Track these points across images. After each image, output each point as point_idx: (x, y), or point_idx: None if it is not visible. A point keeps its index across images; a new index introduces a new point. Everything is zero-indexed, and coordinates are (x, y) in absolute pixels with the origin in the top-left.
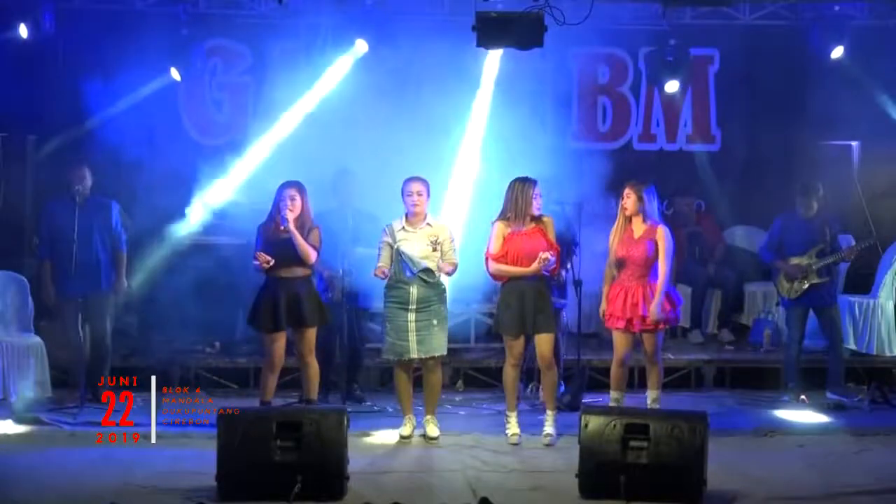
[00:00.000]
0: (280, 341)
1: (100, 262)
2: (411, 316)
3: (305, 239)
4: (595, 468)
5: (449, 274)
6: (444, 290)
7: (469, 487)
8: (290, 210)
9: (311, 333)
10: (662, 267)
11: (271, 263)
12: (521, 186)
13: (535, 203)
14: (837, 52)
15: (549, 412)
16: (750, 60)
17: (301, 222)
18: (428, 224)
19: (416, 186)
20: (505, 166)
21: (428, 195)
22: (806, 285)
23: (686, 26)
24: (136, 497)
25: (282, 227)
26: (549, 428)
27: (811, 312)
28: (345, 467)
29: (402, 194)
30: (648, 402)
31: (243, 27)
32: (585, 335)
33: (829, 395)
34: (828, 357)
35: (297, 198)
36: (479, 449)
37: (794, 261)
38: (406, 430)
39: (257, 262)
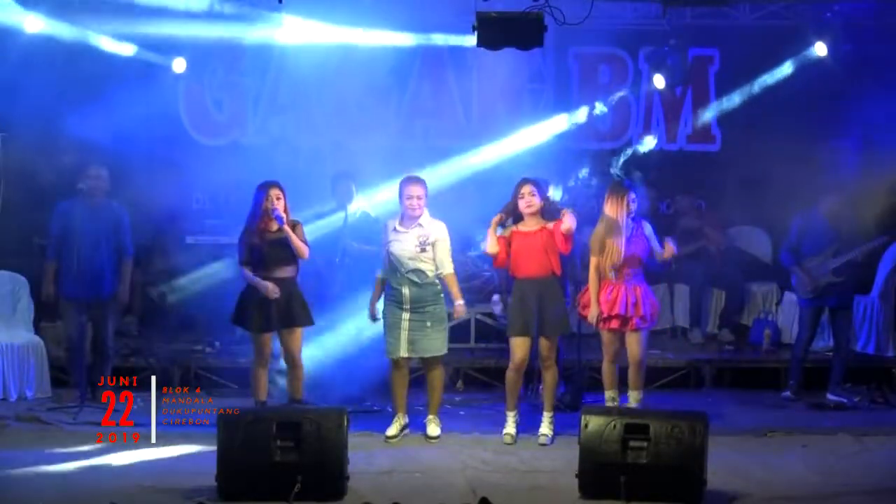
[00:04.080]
0: (269, 339)
1: (105, 267)
2: (406, 315)
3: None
4: (595, 468)
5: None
6: (440, 291)
7: (469, 487)
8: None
9: (300, 334)
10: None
11: (277, 295)
12: (516, 186)
13: (521, 202)
14: (830, 51)
15: (546, 413)
16: (750, 60)
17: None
18: (419, 224)
19: (415, 190)
20: (506, 166)
21: (426, 195)
22: (823, 285)
23: (686, 26)
24: (136, 497)
25: (279, 227)
26: (544, 428)
27: (826, 313)
28: (345, 467)
29: (400, 196)
30: (631, 402)
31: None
32: (585, 335)
33: (829, 395)
34: (833, 358)
35: (282, 197)
36: (479, 449)
37: (811, 262)
38: (392, 430)
39: (266, 291)
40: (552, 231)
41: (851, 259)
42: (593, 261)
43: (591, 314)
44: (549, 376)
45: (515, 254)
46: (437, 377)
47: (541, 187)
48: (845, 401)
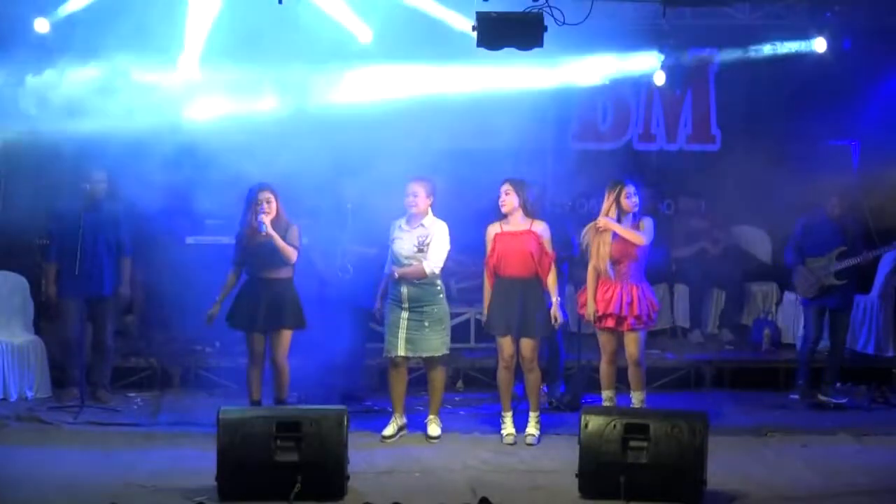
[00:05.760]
0: (260, 339)
1: (104, 265)
2: (404, 314)
3: (285, 238)
4: (595, 468)
5: (414, 276)
6: (440, 292)
7: (469, 487)
8: (267, 213)
9: (287, 336)
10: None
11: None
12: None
13: (499, 201)
14: (829, 51)
15: (532, 413)
16: (750, 60)
17: (278, 223)
18: (422, 224)
19: (412, 187)
20: (506, 166)
21: (427, 195)
22: (824, 286)
23: (686, 26)
24: (136, 497)
25: (262, 234)
26: (531, 428)
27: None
28: (345, 467)
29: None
30: (634, 403)
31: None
32: (585, 335)
33: (820, 396)
34: (828, 359)
35: (273, 200)
36: (479, 449)
37: (814, 263)
38: (389, 430)
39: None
40: (538, 235)
41: (856, 264)
42: (591, 258)
43: (588, 312)
44: (533, 377)
45: (501, 253)
46: (438, 377)
47: (518, 186)
48: (835, 401)
